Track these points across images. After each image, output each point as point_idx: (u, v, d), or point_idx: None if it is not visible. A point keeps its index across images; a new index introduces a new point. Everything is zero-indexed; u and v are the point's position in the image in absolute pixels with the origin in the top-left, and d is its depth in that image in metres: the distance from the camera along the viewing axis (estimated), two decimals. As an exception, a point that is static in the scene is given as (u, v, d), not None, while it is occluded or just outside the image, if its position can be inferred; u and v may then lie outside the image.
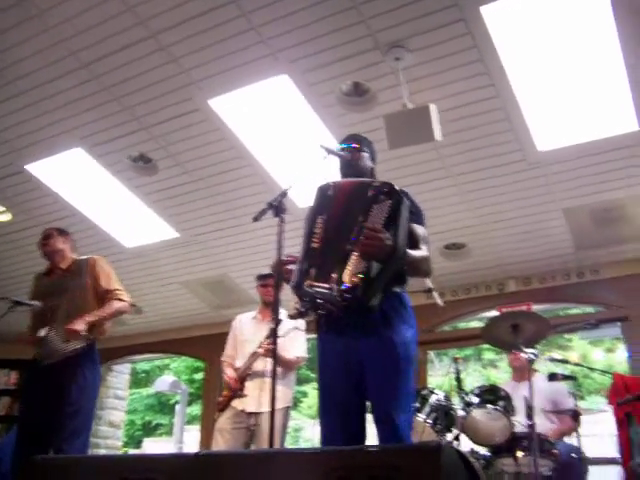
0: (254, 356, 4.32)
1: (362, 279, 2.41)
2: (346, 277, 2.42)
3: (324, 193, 2.68)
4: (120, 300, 3.94)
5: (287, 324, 4.12)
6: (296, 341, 4.40)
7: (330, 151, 2.79)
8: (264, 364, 4.25)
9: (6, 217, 6.51)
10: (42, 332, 3.82)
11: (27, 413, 3.80)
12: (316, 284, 2.48)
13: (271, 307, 4.53)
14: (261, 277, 4.63)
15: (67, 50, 4.46)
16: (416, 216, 2.73)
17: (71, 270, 4.01)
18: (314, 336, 2.81)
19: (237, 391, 4.33)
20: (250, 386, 4.31)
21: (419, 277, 2.92)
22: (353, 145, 2.91)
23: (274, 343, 2.64)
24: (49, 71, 4.65)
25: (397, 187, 2.53)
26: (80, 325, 3.67)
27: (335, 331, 2.60)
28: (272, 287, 4.48)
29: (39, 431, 3.62)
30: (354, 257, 2.44)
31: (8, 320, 3.92)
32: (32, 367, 3.91)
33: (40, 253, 4.17)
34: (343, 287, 2.41)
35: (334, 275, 2.44)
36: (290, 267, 2.64)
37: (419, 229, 2.72)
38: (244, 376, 4.34)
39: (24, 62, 4.58)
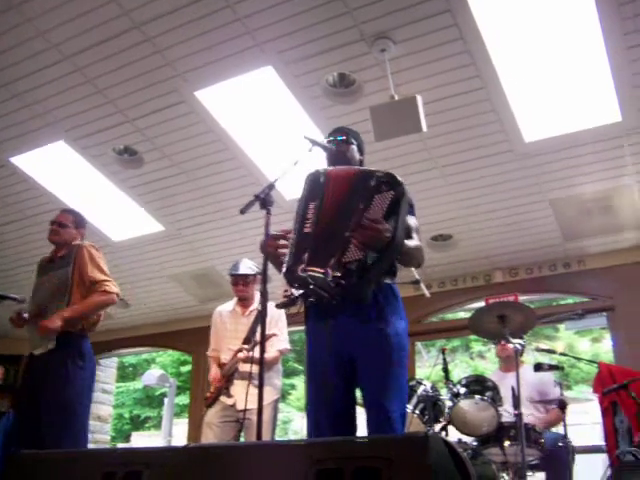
0: (235, 358, 4.30)
1: (357, 267, 2.42)
2: (342, 263, 2.43)
3: (316, 180, 2.67)
4: (105, 292, 3.77)
5: (270, 313, 4.11)
6: (277, 334, 4.36)
7: (315, 142, 2.79)
8: (249, 365, 4.22)
9: (-11, 211, 6.45)
10: (25, 315, 3.80)
11: (19, 408, 3.77)
12: (310, 268, 2.47)
13: (246, 302, 4.53)
14: (230, 275, 4.60)
15: (49, 42, 4.41)
16: (410, 207, 2.74)
17: (63, 258, 3.89)
18: (301, 328, 2.80)
19: (222, 389, 4.32)
20: (237, 385, 4.30)
21: (412, 267, 2.94)
22: (341, 137, 2.90)
23: (262, 347, 2.58)
24: (31, 63, 4.59)
25: (399, 178, 2.53)
26: (55, 322, 3.57)
27: (325, 319, 2.59)
28: (241, 285, 4.50)
29: (29, 425, 3.59)
30: (352, 245, 2.44)
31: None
32: (28, 361, 3.85)
33: (47, 233, 4.00)
34: (337, 273, 2.42)
35: (330, 261, 2.45)
36: (282, 242, 2.62)
37: (411, 220, 2.74)
38: (229, 375, 4.33)
39: (5, 54, 4.52)
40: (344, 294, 2.46)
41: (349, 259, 2.44)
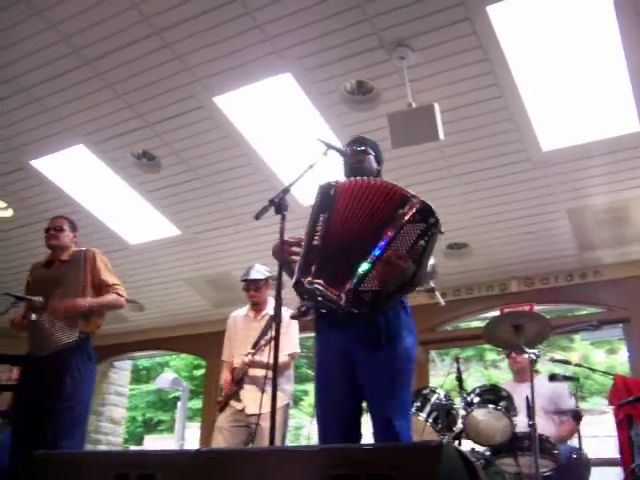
0: (242, 362, 4.31)
1: (372, 297, 2.39)
2: (357, 291, 2.40)
3: (326, 191, 2.61)
4: (118, 294, 3.91)
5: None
6: (288, 338, 4.35)
7: (329, 145, 2.76)
8: (260, 370, 4.22)
9: (7, 213, 6.51)
10: (33, 316, 3.80)
11: (22, 409, 3.79)
12: (315, 281, 2.45)
13: (258, 306, 4.54)
14: (242, 280, 4.61)
15: (70, 47, 4.46)
16: None
17: (70, 261, 3.97)
18: (312, 335, 2.80)
19: (233, 394, 4.32)
20: (248, 390, 4.30)
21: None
22: (359, 147, 2.88)
23: (276, 352, 2.56)
24: (52, 68, 4.66)
25: (435, 211, 2.45)
26: (69, 306, 3.67)
27: (334, 329, 2.58)
28: (252, 290, 4.50)
29: (34, 426, 3.60)
30: (372, 273, 2.39)
31: (9, 316, 3.91)
32: (26, 362, 3.89)
33: (45, 239, 4.05)
34: (350, 294, 2.39)
35: (346, 284, 2.40)
36: (295, 249, 2.59)
37: None
38: (239, 379, 4.33)
39: (27, 59, 4.59)
40: (353, 318, 2.45)
41: (366, 288, 2.40)
